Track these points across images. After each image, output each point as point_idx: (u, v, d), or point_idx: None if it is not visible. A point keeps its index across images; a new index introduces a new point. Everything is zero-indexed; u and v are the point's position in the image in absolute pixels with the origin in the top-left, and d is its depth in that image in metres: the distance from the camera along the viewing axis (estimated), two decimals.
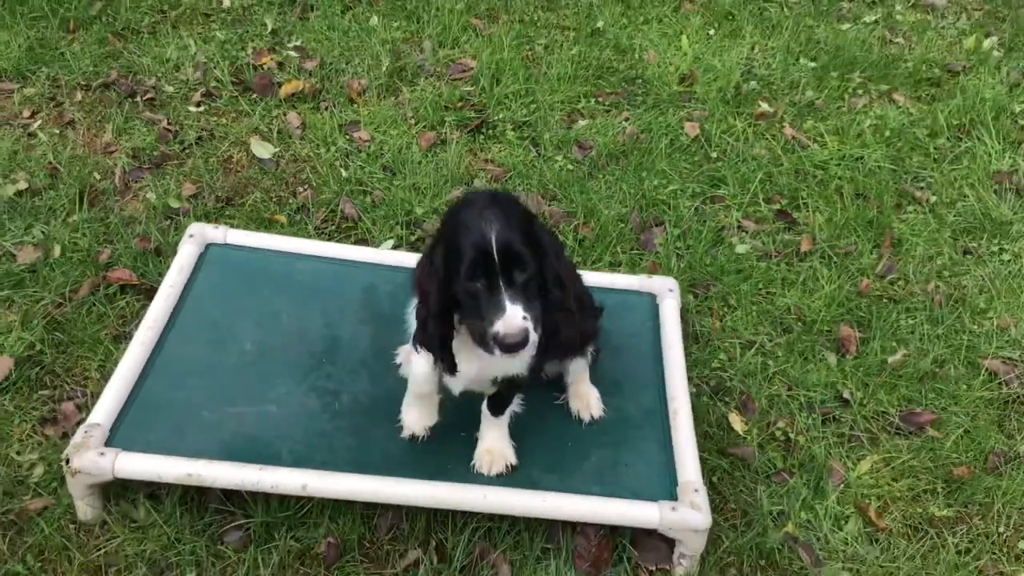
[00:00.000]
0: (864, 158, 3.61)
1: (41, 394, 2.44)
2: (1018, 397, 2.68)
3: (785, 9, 4.62)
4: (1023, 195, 3.49)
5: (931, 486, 2.42)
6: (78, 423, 2.26)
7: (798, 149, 3.65)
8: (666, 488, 2.16)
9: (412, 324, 2.03)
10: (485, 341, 1.72)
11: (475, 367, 1.95)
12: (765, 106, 3.89)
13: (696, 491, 2.13)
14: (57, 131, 3.37)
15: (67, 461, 2.06)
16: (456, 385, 2.07)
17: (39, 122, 3.41)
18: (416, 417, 2.24)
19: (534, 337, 1.72)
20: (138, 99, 3.57)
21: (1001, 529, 2.33)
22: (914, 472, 2.45)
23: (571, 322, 1.93)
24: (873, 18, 4.62)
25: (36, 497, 2.19)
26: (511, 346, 1.68)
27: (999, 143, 3.73)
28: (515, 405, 2.21)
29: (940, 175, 3.58)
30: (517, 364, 1.93)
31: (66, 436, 2.30)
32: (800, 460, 2.45)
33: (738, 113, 3.83)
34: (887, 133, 3.75)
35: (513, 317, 1.69)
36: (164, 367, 2.34)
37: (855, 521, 2.32)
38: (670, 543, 2.14)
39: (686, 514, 2.08)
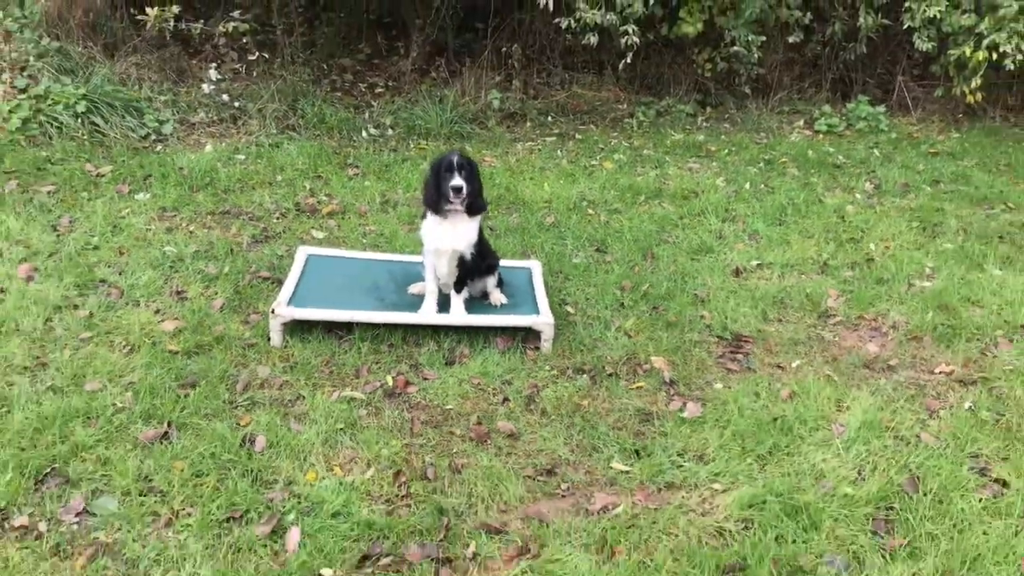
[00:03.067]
0: (642, 227, 6.72)
1: (239, 313, 5.14)
2: (702, 299, 5.61)
3: (603, 171, 7.96)
4: (723, 237, 6.62)
5: (659, 327, 5.25)
6: (264, 316, 4.92)
7: (608, 225, 6.74)
8: (534, 313, 4.97)
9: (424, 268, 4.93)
10: (447, 193, 4.57)
11: (448, 240, 4.76)
12: (591, 211, 7.04)
13: (546, 313, 4.94)
14: (206, 230, 6.23)
15: (273, 311, 4.75)
16: (442, 267, 4.87)
17: (193, 227, 6.27)
18: (427, 306, 5.00)
19: (466, 192, 4.57)
20: (244, 217, 6.49)
21: (687, 329, 5.16)
22: (653, 323, 5.29)
23: (479, 201, 4.76)
24: (655, 173, 7.98)
25: (252, 340, 4.84)
26: (456, 189, 4.53)
27: (716, 219, 6.91)
28: (465, 294, 5.04)
29: (682, 232, 6.70)
30: (465, 243, 4.77)
31: (255, 327, 4.98)
32: (600, 322, 5.27)
33: (575, 213, 6.95)
34: (656, 217, 6.90)
35: (457, 179, 4.53)
36: (300, 291, 5.08)
37: (622, 337, 5.11)
38: (538, 336, 4.90)
39: (543, 318, 4.88)
